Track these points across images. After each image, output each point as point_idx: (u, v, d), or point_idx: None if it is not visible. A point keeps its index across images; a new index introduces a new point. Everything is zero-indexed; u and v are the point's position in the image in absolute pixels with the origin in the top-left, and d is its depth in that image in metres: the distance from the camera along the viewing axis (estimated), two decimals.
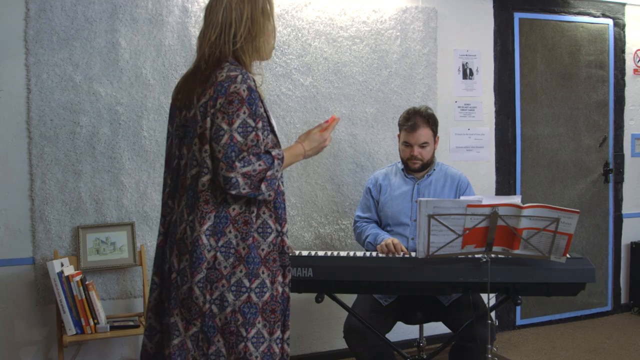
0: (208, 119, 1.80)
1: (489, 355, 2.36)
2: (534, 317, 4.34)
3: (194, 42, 3.32)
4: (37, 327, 3.10)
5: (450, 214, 2.22)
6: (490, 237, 2.27)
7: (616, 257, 4.59)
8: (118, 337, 3.10)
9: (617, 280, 4.60)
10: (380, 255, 2.57)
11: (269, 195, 1.85)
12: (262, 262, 1.87)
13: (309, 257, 2.52)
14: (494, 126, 4.14)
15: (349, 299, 2.84)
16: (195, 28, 3.32)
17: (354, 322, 2.71)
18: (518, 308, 4.25)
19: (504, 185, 4.18)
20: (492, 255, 2.36)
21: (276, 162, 1.85)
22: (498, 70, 4.13)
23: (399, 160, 3.09)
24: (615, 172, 4.52)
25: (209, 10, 1.93)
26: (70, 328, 2.85)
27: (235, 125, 1.78)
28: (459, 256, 2.37)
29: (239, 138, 1.78)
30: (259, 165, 1.80)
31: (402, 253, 2.64)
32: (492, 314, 2.59)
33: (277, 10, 3.49)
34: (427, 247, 2.28)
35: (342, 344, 2.97)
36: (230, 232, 1.83)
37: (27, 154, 3.06)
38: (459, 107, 4.01)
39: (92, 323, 2.88)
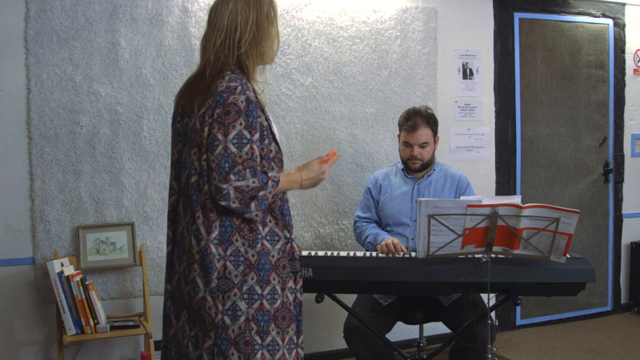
0: (206, 129, 1.80)
1: (489, 355, 2.36)
2: (534, 317, 4.34)
3: (194, 42, 3.34)
4: (37, 327, 3.10)
5: (450, 214, 2.22)
6: (490, 237, 2.27)
7: (616, 257, 4.59)
8: (118, 337, 3.10)
9: (617, 280, 4.60)
10: (380, 255, 2.57)
11: (256, 215, 1.83)
12: (273, 268, 1.87)
13: (309, 257, 2.52)
14: (494, 126, 4.14)
15: (349, 299, 2.84)
16: (195, 28, 3.32)
17: (354, 322, 2.71)
18: (518, 308, 4.25)
19: (504, 185, 4.18)
20: (492, 255, 2.36)
21: (270, 183, 1.83)
22: (498, 70, 4.13)
23: (399, 160, 3.09)
24: (615, 172, 4.52)
25: (214, 14, 1.92)
26: (70, 328, 2.85)
27: (230, 136, 1.77)
28: (459, 256, 2.37)
29: (233, 149, 1.77)
30: (253, 182, 1.79)
31: (402, 253, 2.64)
32: (492, 314, 2.59)
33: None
34: (427, 247, 2.28)
35: (342, 344, 2.97)
36: (237, 240, 1.82)
37: (27, 154, 3.06)
38: (459, 107, 4.01)
39: (92, 323, 2.88)
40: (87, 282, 2.91)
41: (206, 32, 1.95)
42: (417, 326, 3.05)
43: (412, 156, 2.92)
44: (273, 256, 1.87)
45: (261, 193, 1.81)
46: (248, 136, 1.79)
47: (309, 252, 2.62)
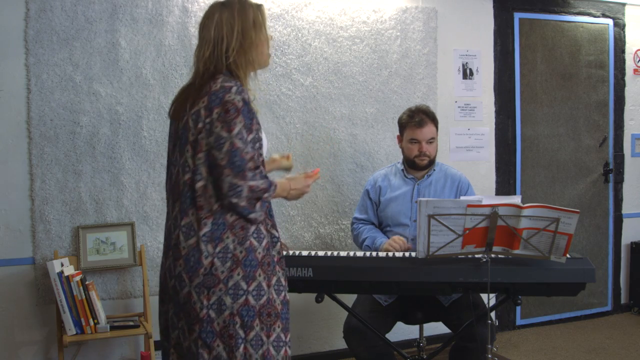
0: (200, 125, 1.83)
1: (489, 355, 2.36)
2: (534, 317, 4.34)
3: (194, 42, 3.33)
4: (37, 327, 3.10)
5: (450, 214, 2.22)
6: (490, 237, 2.27)
7: (616, 257, 4.59)
8: (118, 337, 3.10)
9: (617, 280, 4.60)
10: (380, 255, 2.57)
11: (260, 216, 1.86)
12: (259, 264, 1.88)
13: (309, 257, 2.52)
14: (494, 126, 4.14)
15: (349, 299, 2.84)
16: (195, 28, 3.32)
17: (354, 322, 2.71)
18: (518, 308, 4.25)
19: (504, 185, 4.18)
20: (492, 255, 2.36)
21: (272, 187, 1.88)
22: (498, 70, 4.13)
23: (398, 161, 3.08)
24: (615, 172, 4.52)
25: (202, 27, 1.97)
26: (70, 328, 2.85)
27: (235, 132, 1.80)
28: (459, 256, 2.37)
29: (239, 144, 1.80)
30: (262, 183, 1.83)
31: (406, 248, 2.71)
32: (492, 314, 2.59)
33: (277, 10, 3.49)
34: (427, 247, 2.28)
35: (342, 344, 2.97)
36: (227, 237, 1.84)
37: (27, 154, 3.06)
38: (459, 107, 4.01)
39: (92, 323, 2.88)
40: (87, 282, 2.91)
41: (197, 45, 2.00)
42: (417, 326, 3.05)
43: (420, 153, 2.90)
44: (259, 253, 1.89)
45: (265, 195, 1.85)
46: (245, 136, 1.82)
47: (309, 252, 2.62)
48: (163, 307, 1.98)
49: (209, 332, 1.82)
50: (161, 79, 3.27)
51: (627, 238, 4.61)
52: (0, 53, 3.00)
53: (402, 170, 3.01)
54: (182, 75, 3.30)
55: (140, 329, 2.98)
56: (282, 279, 1.96)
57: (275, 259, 1.94)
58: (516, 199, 2.28)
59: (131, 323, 3.01)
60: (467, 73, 4.03)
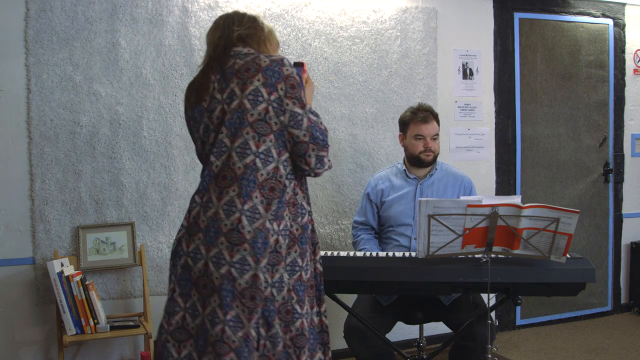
0: (264, 105, 1.83)
1: (489, 355, 2.36)
2: (534, 317, 4.34)
3: (194, 42, 3.33)
4: (37, 327, 3.10)
5: (450, 214, 2.22)
6: (490, 237, 2.27)
7: (616, 257, 4.59)
8: (118, 337, 3.10)
9: (617, 280, 4.60)
10: (380, 255, 2.57)
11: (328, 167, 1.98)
12: (307, 240, 1.94)
13: None
14: (494, 126, 4.14)
15: (349, 298, 2.84)
16: (195, 28, 3.32)
17: (354, 322, 2.71)
18: (518, 308, 4.25)
19: (504, 185, 4.18)
20: (492, 255, 2.36)
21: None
22: (498, 70, 4.13)
23: (398, 162, 3.08)
24: (615, 172, 4.52)
25: (210, 31, 2.03)
26: (70, 328, 2.85)
27: (307, 107, 1.88)
28: (459, 256, 2.37)
29: (314, 118, 1.88)
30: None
31: None
32: (492, 313, 2.59)
33: (277, 10, 3.50)
34: (427, 247, 2.28)
35: (342, 344, 2.96)
36: (287, 215, 1.88)
37: (27, 154, 3.06)
38: (459, 107, 4.01)
39: (92, 323, 2.88)
40: (87, 282, 2.91)
41: (208, 39, 2.04)
42: (417, 326, 3.05)
43: (425, 148, 2.90)
44: (306, 229, 1.94)
45: None
46: (313, 107, 1.93)
47: None
48: (186, 302, 1.88)
49: (271, 310, 1.83)
50: (161, 79, 3.27)
51: (627, 238, 4.61)
52: (0, 53, 3.00)
53: (404, 170, 3.00)
54: (182, 75, 3.30)
55: (140, 329, 2.98)
56: (315, 252, 2.02)
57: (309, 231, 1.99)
58: (516, 199, 2.27)
59: (131, 323, 3.01)
60: (467, 73, 4.03)
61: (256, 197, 1.83)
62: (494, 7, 4.11)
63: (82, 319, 2.87)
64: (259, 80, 1.84)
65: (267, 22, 2.08)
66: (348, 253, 2.57)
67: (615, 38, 4.49)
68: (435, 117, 2.95)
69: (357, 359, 2.82)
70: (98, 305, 2.92)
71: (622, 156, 4.55)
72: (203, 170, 1.96)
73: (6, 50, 3.01)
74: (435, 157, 2.95)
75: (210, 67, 1.94)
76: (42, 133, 3.07)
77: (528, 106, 4.27)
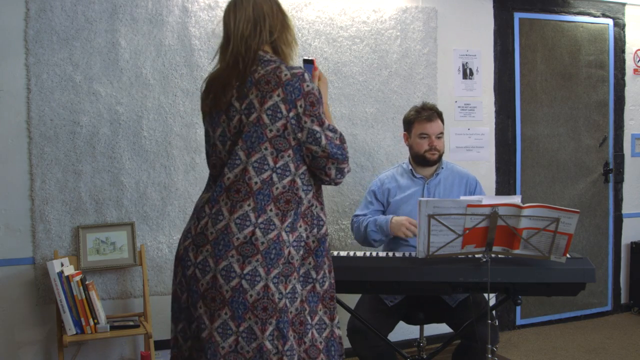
0: (282, 122, 1.80)
1: (489, 355, 2.36)
2: (534, 317, 4.34)
3: (194, 42, 3.33)
4: (37, 327, 3.10)
5: (450, 214, 2.22)
6: (490, 237, 2.27)
7: (616, 257, 4.59)
8: (118, 337, 3.10)
9: (617, 280, 4.60)
10: (380, 254, 2.57)
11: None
12: (325, 253, 1.93)
13: None
14: (494, 126, 4.14)
15: (351, 298, 2.84)
16: (195, 28, 3.32)
17: (357, 323, 2.71)
18: (518, 308, 4.25)
19: (504, 185, 4.18)
20: (492, 255, 2.36)
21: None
22: (498, 70, 4.13)
23: (403, 161, 3.06)
24: (615, 172, 4.52)
25: (231, 14, 1.89)
26: (70, 328, 2.85)
27: (325, 125, 1.86)
28: (459, 256, 2.37)
29: (331, 134, 1.88)
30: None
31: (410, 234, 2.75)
32: (493, 314, 2.59)
33: None
34: (427, 247, 2.28)
35: (344, 344, 2.96)
36: (300, 226, 1.87)
37: (27, 154, 3.06)
38: (459, 107, 4.01)
39: (92, 323, 2.88)
40: (87, 282, 2.91)
41: (224, 37, 1.92)
42: (418, 326, 3.04)
43: (430, 147, 2.89)
44: (323, 242, 1.92)
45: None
46: (331, 123, 1.93)
47: None
48: (197, 311, 1.84)
49: (285, 322, 1.80)
50: (161, 79, 3.27)
51: (627, 238, 4.61)
52: (0, 53, 3.00)
53: (410, 170, 2.99)
54: (182, 75, 3.30)
55: (140, 329, 2.98)
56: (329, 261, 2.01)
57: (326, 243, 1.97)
58: (516, 199, 2.27)
59: (131, 323, 3.01)
60: (467, 73, 4.03)
61: (271, 210, 1.81)
62: (494, 7, 4.11)
63: (82, 319, 2.87)
64: (278, 95, 1.79)
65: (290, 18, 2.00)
66: (348, 253, 2.57)
67: (615, 38, 4.49)
68: (439, 115, 2.95)
69: (360, 359, 2.82)
70: (98, 305, 2.92)
71: (622, 156, 4.55)
72: (213, 179, 1.94)
73: (6, 50, 3.01)
74: (440, 156, 2.94)
75: (234, 66, 1.85)
76: (42, 133, 3.07)
77: (528, 106, 4.27)
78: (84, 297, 2.87)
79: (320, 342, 1.88)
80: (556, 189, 4.38)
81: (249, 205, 1.80)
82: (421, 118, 2.91)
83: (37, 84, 3.05)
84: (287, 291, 1.82)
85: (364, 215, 3.00)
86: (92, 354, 3.20)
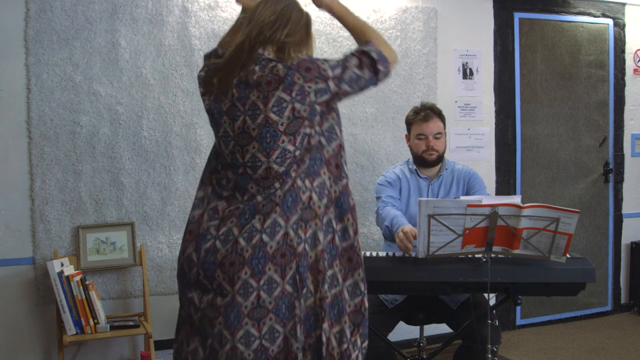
0: (289, 107, 1.80)
1: (489, 356, 2.36)
2: (534, 317, 4.34)
3: (194, 42, 3.33)
4: (37, 327, 3.10)
5: (450, 214, 2.22)
6: (490, 237, 2.27)
7: (616, 257, 4.59)
8: (118, 337, 3.10)
9: (617, 280, 4.60)
10: (380, 254, 2.57)
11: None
12: (350, 209, 1.90)
13: None
14: (494, 126, 4.14)
15: None
16: (195, 28, 3.32)
17: None
18: (518, 308, 4.25)
19: (504, 185, 4.18)
20: (492, 255, 2.36)
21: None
22: (498, 70, 4.13)
23: (407, 161, 3.04)
24: (615, 172, 4.52)
25: (265, 1, 1.89)
26: (70, 328, 2.85)
27: (332, 74, 1.84)
28: (459, 256, 2.37)
29: (339, 71, 1.86)
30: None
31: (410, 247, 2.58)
32: (494, 313, 2.58)
33: None
34: (427, 247, 2.28)
35: None
36: (324, 173, 1.86)
37: (27, 154, 3.06)
38: (459, 107, 4.01)
39: (92, 323, 2.88)
40: (87, 282, 2.91)
41: (244, 15, 1.94)
42: (418, 326, 3.04)
43: (427, 147, 2.87)
44: (344, 193, 1.90)
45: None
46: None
47: None
48: (215, 281, 1.82)
49: (305, 266, 1.81)
50: (161, 79, 3.27)
51: (627, 238, 4.61)
52: (0, 53, 3.00)
53: (415, 170, 2.97)
54: (182, 75, 3.30)
55: (140, 328, 2.98)
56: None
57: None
58: (516, 199, 2.27)
59: (131, 323, 3.01)
60: (467, 73, 4.03)
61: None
62: (494, 7, 4.11)
63: (82, 319, 2.87)
64: (281, 90, 1.80)
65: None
66: None
67: (615, 38, 4.49)
68: (437, 114, 2.92)
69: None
70: (98, 305, 2.92)
71: (622, 156, 4.55)
72: (225, 181, 1.91)
73: (6, 50, 3.01)
74: (439, 156, 2.91)
75: (237, 58, 1.84)
76: (42, 133, 3.07)
77: (528, 106, 4.27)
78: (84, 297, 2.87)
79: (328, 298, 1.85)
80: (556, 189, 4.38)
81: (296, 174, 1.84)
82: (418, 119, 2.90)
83: (37, 84, 3.05)
84: (307, 236, 1.83)
85: (384, 202, 2.90)
86: (92, 354, 3.20)
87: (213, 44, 3.30)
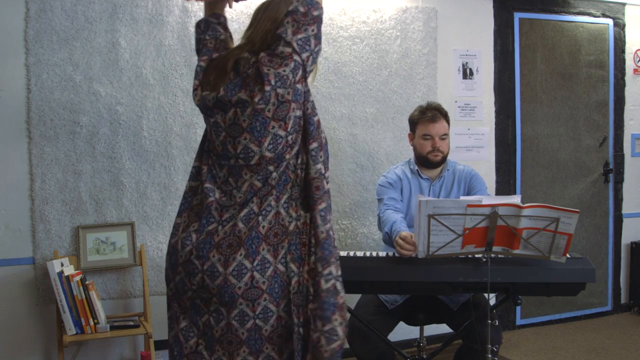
0: (273, 94, 1.81)
1: (489, 355, 2.36)
2: (534, 317, 4.34)
3: (194, 42, 3.33)
4: (37, 327, 3.10)
5: (450, 214, 2.22)
6: (490, 237, 2.27)
7: (616, 257, 4.59)
8: (118, 337, 3.10)
9: (617, 280, 4.60)
10: (380, 254, 2.57)
11: None
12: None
13: None
14: (494, 126, 4.14)
15: (351, 298, 2.83)
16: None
17: (357, 323, 2.70)
18: (518, 308, 4.25)
19: (504, 185, 4.18)
20: (492, 255, 2.36)
21: None
22: (498, 70, 4.13)
23: (409, 161, 3.02)
24: (615, 172, 4.52)
25: (267, 4, 1.94)
26: (70, 328, 2.85)
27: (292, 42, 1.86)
28: (459, 256, 2.37)
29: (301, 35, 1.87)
30: None
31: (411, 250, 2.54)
32: (495, 313, 2.58)
33: None
34: (427, 247, 2.28)
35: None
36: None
37: (27, 154, 3.06)
38: (459, 107, 4.01)
39: (92, 323, 2.88)
40: (87, 282, 2.91)
41: (256, 19, 1.98)
42: (418, 326, 3.04)
43: (434, 148, 2.84)
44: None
45: None
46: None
47: None
48: (208, 261, 1.84)
49: (297, 244, 1.85)
50: (161, 79, 3.27)
51: (627, 238, 4.61)
52: (0, 53, 3.00)
53: (417, 170, 2.94)
54: (182, 75, 3.30)
55: (140, 328, 2.98)
56: None
57: None
58: (516, 199, 2.27)
59: (131, 323, 3.01)
60: (467, 73, 4.03)
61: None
62: (494, 7, 4.11)
63: (82, 319, 2.87)
64: (263, 84, 1.82)
65: None
66: (348, 253, 2.57)
67: (615, 38, 4.49)
68: (444, 115, 2.89)
69: (359, 359, 2.81)
70: (98, 305, 2.92)
71: (622, 156, 4.55)
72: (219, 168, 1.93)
73: (6, 50, 3.01)
74: (444, 158, 2.89)
75: (232, 55, 1.91)
76: (42, 133, 3.07)
77: (528, 106, 4.27)
78: (84, 297, 2.87)
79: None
80: (556, 189, 4.38)
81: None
82: (424, 119, 2.87)
83: (37, 84, 3.05)
84: (297, 214, 1.85)
85: (394, 201, 2.89)
86: (92, 354, 3.20)
87: None
